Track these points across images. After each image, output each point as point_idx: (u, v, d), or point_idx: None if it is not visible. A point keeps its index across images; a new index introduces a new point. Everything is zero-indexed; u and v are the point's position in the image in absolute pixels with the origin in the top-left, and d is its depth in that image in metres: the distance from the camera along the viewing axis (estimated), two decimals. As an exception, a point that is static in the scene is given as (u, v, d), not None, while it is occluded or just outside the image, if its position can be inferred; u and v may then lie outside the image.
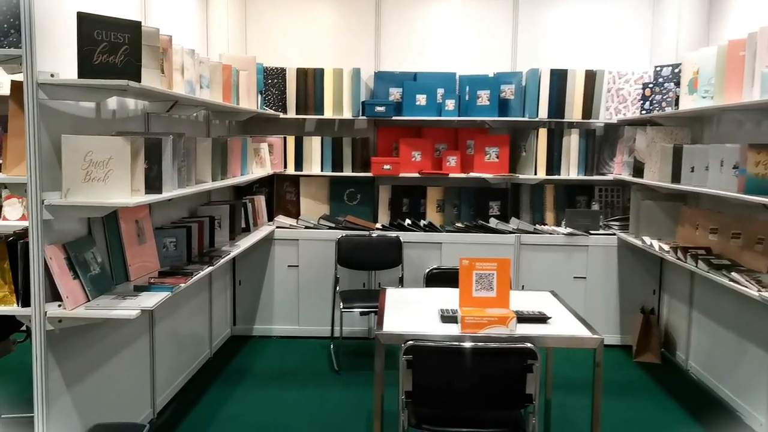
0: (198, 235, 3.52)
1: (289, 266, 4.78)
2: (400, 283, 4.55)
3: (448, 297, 2.94)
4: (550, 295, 3.07)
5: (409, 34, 5.00)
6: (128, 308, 2.37)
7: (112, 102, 2.84)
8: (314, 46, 5.01)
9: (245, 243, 3.96)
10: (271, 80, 4.79)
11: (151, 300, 2.48)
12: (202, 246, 3.58)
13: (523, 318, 2.51)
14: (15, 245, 2.33)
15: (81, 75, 2.28)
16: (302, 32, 5.01)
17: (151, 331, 3.35)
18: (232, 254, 3.59)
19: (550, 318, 2.58)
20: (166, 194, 2.67)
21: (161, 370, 3.48)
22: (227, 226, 3.98)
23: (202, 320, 4.21)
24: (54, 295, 2.36)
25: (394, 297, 2.98)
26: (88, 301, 2.45)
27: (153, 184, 2.63)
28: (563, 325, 2.56)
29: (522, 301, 2.88)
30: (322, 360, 4.40)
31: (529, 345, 2.24)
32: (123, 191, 2.42)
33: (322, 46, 5.01)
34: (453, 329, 2.43)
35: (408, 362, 2.24)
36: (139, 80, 2.38)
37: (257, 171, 4.49)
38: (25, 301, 2.33)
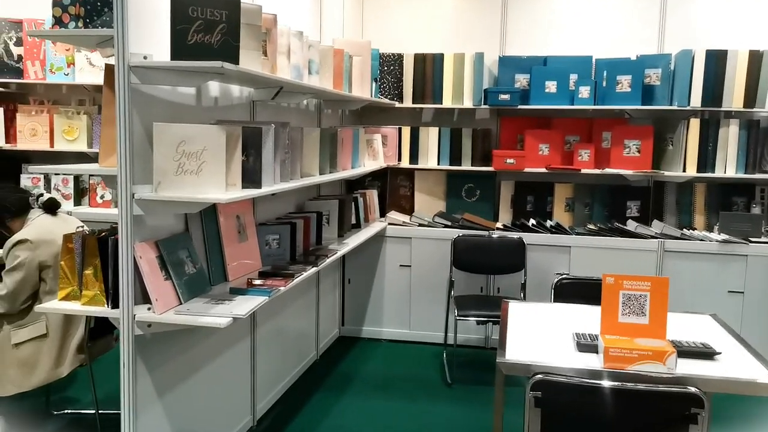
0: (303, 231, 3.28)
1: (400, 266, 4.47)
2: (522, 290, 4.11)
3: (584, 316, 2.49)
4: (711, 320, 2.53)
5: (538, 13, 4.51)
6: (219, 315, 2.14)
7: (214, 88, 2.64)
8: (434, 30, 4.65)
9: (354, 241, 3.69)
10: (387, 67, 4.49)
11: (244, 306, 2.24)
12: (308, 244, 3.34)
13: (683, 351, 2.02)
14: (106, 241, 2.17)
15: (174, 56, 2.06)
16: (421, 15, 4.67)
17: (252, 333, 3.15)
18: (339, 254, 3.32)
19: (718, 354, 2.07)
20: (265, 189, 2.43)
21: (263, 374, 3.28)
22: (336, 222, 3.73)
23: (309, 320, 4.00)
24: (145, 296, 2.18)
25: (517, 312, 2.57)
26: (180, 303, 2.25)
27: (251, 177, 2.40)
28: (736, 363, 2.03)
29: (674, 326, 2.37)
30: (433, 370, 4.06)
31: (693, 390, 1.76)
32: (217, 185, 2.19)
33: (442, 29, 4.64)
34: (593, 361, 1.99)
35: (536, 399, 1.84)
36: (236, 62, 2.13)
37: (369, 164, 4.21)
38: (115, 302, 2.16)
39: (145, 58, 2.09)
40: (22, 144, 4.47)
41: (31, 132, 4.56)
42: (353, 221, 4.11)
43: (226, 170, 2.23)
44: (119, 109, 2.06)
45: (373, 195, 4.50)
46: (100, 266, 2.19)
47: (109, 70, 2.14)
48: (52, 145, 4.48)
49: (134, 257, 2.12)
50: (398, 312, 4.52)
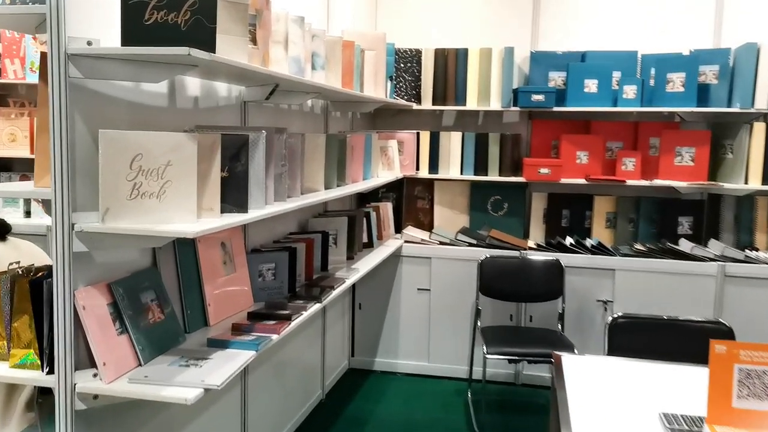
0: (306, 257, 2.75)
1: (418, 290, 3.93)
2: (560, 320, 3.55)
3: (665, 382, 1.93)
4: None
5: (576, 2, 3.97)
6: (186, 384, 1.62)
7: (194, 86, 2.12)
8: (457, 22, 4.12)
9: (366, 265, 3.16)
10: (404, 63, 3.96)
11: (222, 370, 1.71)
12: (311, 271, 2.81)
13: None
14: (41, 285, 1.65)
15: (125, 41, 1.55)
16: (443, 5, 4.13)
17: (243, 380, 2.63)
18: (348, 283, 2.79)
19: None
20: (253, 214, 1.90)
21: (256, 427, 2.76)
22: (344, 242, 3.21)
23: (314, 353, 3.47)
24: (93, 357, 1.66)
25: (574, 373, 2.02)
26: (139, 365, 1.73)
27: (235, 199, 1.87)
28: None
29: None
30: (457, 411, 3.51)
31: None
32: (186, 212, 1.67)
33: (466, 21, 4.11)
34: (696, 462, 1.45)
35: None
36: (210, 49, 1.61)
37: (384, 174, 3.67)
38: (52, 365, 1.65)
39: (89, 44, 1.57)
40: (0, 150, 4.01)
41: (10, 137, 4.09)
42: (365, 240, 3.58)
43: (199, 191, 1.70)
44: (54, 111, 1.54)
45: (387, 208, 3.96)
46: (34, 317, 1.67)
47: (43, 59, 1.62)
48: (32, 152, 4.00)
49: (75, 307, 1.61)
50: (416, 342, 3.98)
